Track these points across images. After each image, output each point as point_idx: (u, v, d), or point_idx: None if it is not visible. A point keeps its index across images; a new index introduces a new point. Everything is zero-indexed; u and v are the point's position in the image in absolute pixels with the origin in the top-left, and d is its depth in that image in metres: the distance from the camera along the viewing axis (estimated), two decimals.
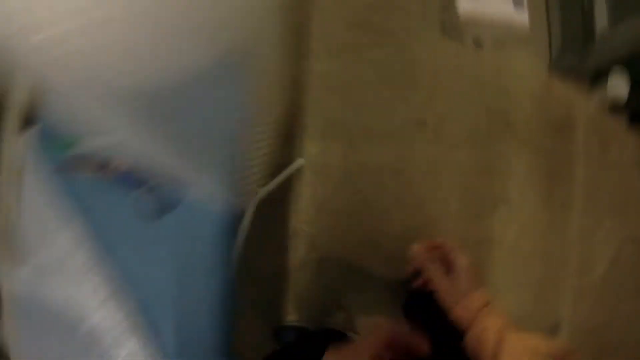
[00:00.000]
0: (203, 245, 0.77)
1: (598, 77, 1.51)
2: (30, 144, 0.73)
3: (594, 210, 1.41)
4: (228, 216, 0.79)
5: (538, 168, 1.40)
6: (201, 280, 0.76)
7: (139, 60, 0.52)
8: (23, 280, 0.72)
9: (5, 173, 0.73)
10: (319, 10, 1.13)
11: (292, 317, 0.82)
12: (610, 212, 1.41)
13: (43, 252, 0.73)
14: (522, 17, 1.35)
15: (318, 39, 1.07)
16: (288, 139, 1.09)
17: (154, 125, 0.64)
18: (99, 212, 0.75)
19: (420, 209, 1.09)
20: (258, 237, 0.90)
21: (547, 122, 1.43)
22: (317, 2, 1.11)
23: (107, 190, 0.75)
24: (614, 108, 1.49)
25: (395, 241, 1.03)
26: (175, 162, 0.70)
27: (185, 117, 0.68)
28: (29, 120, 0.72)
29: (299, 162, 1.16)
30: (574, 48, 1.49)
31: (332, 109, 1.17)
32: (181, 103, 0.65)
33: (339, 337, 0.94)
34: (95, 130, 0.58)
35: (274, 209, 0.89)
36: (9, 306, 0.73)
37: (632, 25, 1.43)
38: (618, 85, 1.48)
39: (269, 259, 0.85)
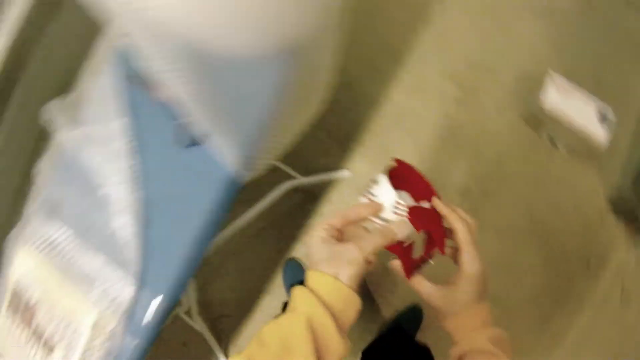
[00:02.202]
0: (205, 189, 0.90)
1: None
2: (114, 52, 0.99)
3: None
4: (233, 181, 0.90)
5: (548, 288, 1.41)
6: (191, 216, 0.90)
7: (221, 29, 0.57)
8: (73, 138, 0.96)
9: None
10: None
11: None
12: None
13: (96, 126, 0.96)
14: (603, 134, 1.33)
15: None
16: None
17: (201, 79, 0.72)
18: (144, 120, 0.96)
19: None
20: None
21: (580, 254, 1.43)
22: None
23: (156, 108, 0.94)
24: None
25: None
26: (208, 115, 0.80)
27: (228, 85, 0.74)
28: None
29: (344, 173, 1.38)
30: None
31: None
32: (230, 72, 0.71)
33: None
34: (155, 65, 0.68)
35: None
36: (54, 151, 0.99)
37: None
38: None
39: None
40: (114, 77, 0.98)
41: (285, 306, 0.63)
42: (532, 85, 1.43)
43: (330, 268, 0.56)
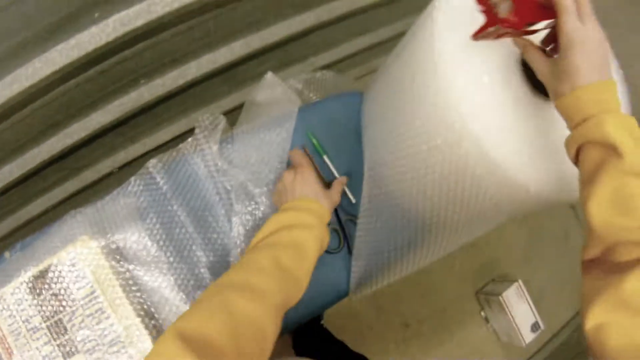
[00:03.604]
0: (318, 289, 0.87)
1: None
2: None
3: None
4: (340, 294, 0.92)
5: None
6: None
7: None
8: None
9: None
10: None
11: None
12: None
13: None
14: (528, 338, 1.60)
15: None
16: None
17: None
18: None
19: None
20: None
21: None
22: None
23: None
24: None
25: None
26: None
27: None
28: None
29: None
30: None
31: None
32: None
33: None
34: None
35: None
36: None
37: None
38: None
39: None
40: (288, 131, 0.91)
41: None
42: (496, 273, 1.70)
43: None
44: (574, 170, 0.60)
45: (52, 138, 1.02)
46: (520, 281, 1.64)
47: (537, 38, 0.60)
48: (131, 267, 0.82)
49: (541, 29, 0.60)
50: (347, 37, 1.37)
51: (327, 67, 1.36)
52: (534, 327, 1.63)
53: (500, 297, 1.61)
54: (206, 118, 0.86)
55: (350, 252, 0.89)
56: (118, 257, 0.82)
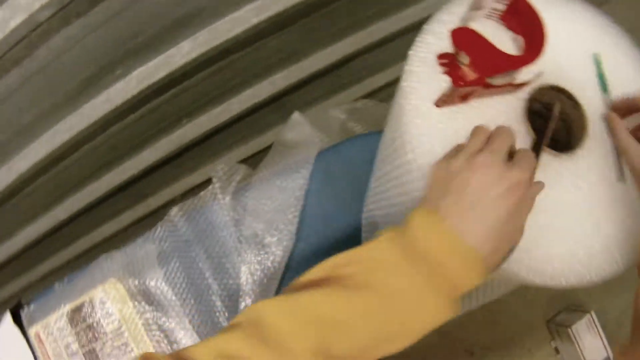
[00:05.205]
0: None
1: None
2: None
3: None
4: None
5: None
6: None
7: None
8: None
9: None
10: None
11: None
12: None
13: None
14: None
15: None
16: None
17: None
18: None
19: None
20: None
21: None
22: None
23: None
24: None
25: None
26: None
27: None
28: None
29: None
30: None
31: None
32: None
33: None
34: None
35: None
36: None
37: None
38: None
39: None
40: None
41: None
42: (571, 301, 1.58)
43: None
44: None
45: (109, 174, 1.10)
46: (592, 313, 1.51)
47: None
48: (151, 308, 0.89)
49: (517, 84, 0.50)
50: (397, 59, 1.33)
51: (385, 87, 1.33)
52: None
53: (569, 330, 1.49)
54: (221, 169, 0.89)
55: None
56: (140, 298, 0.89)
